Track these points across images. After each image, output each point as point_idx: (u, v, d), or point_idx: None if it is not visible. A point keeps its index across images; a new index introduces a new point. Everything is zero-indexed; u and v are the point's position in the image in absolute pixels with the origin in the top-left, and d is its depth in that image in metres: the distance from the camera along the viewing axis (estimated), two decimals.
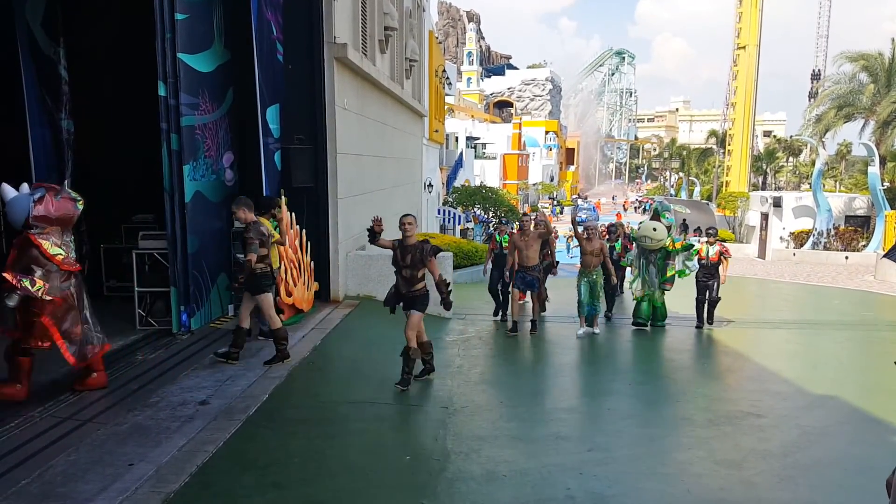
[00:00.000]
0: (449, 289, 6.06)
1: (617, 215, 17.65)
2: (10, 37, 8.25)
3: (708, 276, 9.45)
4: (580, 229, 9.12)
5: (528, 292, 9.07)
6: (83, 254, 9.18)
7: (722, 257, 9.46)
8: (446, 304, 6.03)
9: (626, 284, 10.93)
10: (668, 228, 9.39)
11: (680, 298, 10.01)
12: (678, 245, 9.27)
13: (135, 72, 8.52)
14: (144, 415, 5.20)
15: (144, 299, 7.88)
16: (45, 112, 8.62)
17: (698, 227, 36.68)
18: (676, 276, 9.40)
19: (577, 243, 9.48)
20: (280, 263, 7.61)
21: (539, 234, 8.75)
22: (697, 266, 9.53)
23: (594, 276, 8.90)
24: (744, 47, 51.09)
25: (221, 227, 8.34)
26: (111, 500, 3.83)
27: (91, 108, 9.17)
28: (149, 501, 3.85)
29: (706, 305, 9.53)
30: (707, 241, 9.58)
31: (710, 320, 9.59)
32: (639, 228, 9.58)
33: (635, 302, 9.49)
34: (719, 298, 9.61)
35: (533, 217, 10.56)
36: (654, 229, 8.94)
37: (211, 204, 7.98)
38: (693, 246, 9.50)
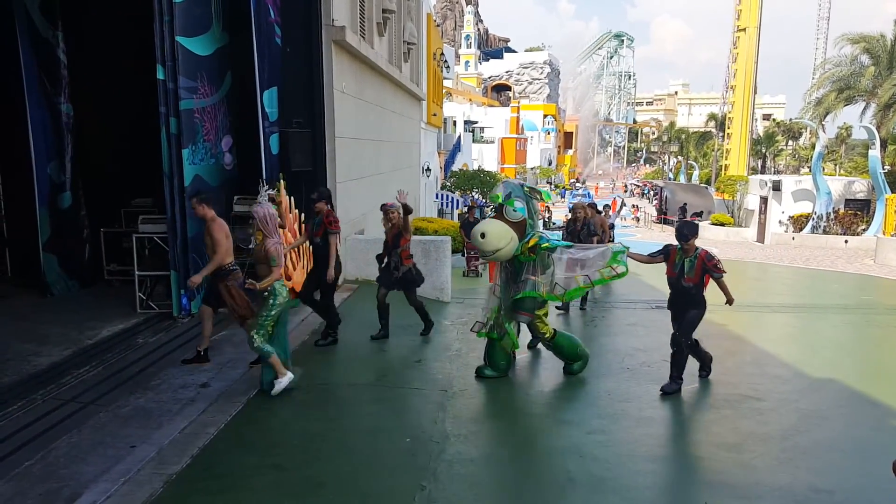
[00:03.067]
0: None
1: (613, 201, 17.53)
2: (8, 21, 8.17)
3: (683, 301, 5.77)
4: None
5: None
6: (84, 238, 9.18)
7: (710, 277, 5.72)
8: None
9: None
10: (521, 225, 5.81)
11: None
12: (529, 244, 5.79)
13: (134, 55, 8.44)
14: (146, 397, 5.23)
15: (145, 283, 7.88)
16: (44, 96, 8.56)
17: (700, 212, 36.77)
18: (545, 298, 5.98)
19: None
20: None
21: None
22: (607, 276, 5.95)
23: None
24: (744, 29, 50.63)
25: (221, 210, 8.28)
26: (113, 482, 3.85)
27: (90, 91, 9.11)
28: (151, 483, 3.88)
29: (674, 350, 5.85)
30: (681, 247, 5.69)
31: (674, 375, 5.84)
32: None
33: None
34: (691, 343, 5.90)
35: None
36: (483, 235, 5.68)
37: (210, 188, 7.94)
38: (550, 246, 5.85)
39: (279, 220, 7.25)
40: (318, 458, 4.39)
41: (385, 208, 7.09)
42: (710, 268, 5.65)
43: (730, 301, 5.88)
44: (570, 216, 9.20)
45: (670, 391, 5.75)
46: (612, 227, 12.60)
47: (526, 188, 6.07)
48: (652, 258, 5.94)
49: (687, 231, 5.71)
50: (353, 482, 4.08)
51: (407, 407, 5.46)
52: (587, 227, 9.39)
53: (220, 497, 3.84)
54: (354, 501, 3.86)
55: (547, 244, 5.86)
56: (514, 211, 5.81)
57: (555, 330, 6.28)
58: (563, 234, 9.95)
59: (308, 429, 4.83)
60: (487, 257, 6.00)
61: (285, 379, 5.38)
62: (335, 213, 6.78)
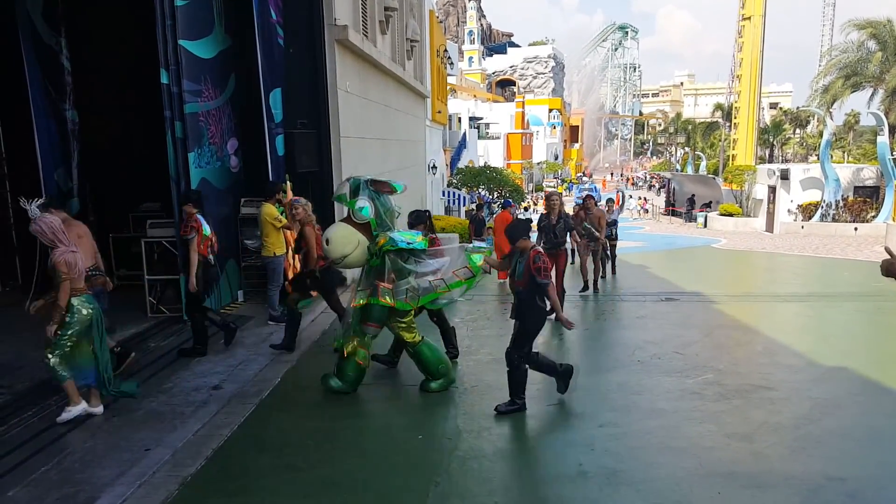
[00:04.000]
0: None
1: (617, 195, 17.31)
2: (11, 28, 8.23)
3: (519, 309, 5.09)
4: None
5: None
6: None
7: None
8: None
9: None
10: (367, 227, 5.23)
11: (681, 272, 9.86)
12: (378, 245, 5.21)
13: (137, 60, 8.48)
14: (159, 401, 5.27)
15: (155, 287, 7.93)
16: (49, 103, 8.63)
17: (709, 202, 36.53)
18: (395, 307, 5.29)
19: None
20: (287, 248, 7.63)
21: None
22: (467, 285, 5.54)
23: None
24: (749, 18, 50.22)
25: (228, 213, 8.36)
26: (129, 485, 3.88)
27: (95, 97, 9.17)
28: (166, 485, 3.91)
29: (508, 368, 5.20)
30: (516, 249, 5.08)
31: (512, 394, 5.18)
32: None
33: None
34: (527, 357, 5.16)
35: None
36: (328, 241, 5.25)
37: (217, 190, 7.99)
38: (394, 248, 5.21)
39: (285, 220, 7.31)
40: (332, 457, 4.41)
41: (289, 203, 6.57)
42: (533, 271, 4.86)
43: (562, 322, 5.16)
44: (574, 209, 9.08)
45: (504, 411, 5.01)
46: (614, 223, 12.24)
47: (369, 183, 5.25)
48: (507, 263, 5.22)
49: (513, 233, 5.03)
50: (367, 480, 4.10)
51: (418, 404, 5.47)
52: (563, 220, 8.46)
53: (235, 498, 3.87)
54: (369, 500, 3.88)
55: (391, 246, 5.17)
56: (359, 211, 5.19)
57: (423, 338, 5.56)
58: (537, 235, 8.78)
59: (320, 429, 4.85)
60: (339, 265, 5.47)
61: (77, 408, 4.76)
62: (198, 218, 6.23)
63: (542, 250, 5.05)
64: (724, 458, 4.38)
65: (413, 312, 5.52)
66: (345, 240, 5.19)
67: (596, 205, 10.73)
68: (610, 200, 13.53)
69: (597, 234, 10.20)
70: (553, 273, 7.00)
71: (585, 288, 10.26)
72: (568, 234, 8.62)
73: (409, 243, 5.22)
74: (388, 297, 5.23)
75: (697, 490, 3.96)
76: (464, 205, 30.17)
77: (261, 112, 8.06)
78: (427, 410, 5.32)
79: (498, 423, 5.02)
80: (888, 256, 2.95)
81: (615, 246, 12.50)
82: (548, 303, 5.06)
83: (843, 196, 25.44)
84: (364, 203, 5.19)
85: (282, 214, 7.36)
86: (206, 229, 6.28)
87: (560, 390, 5.37)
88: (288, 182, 8.04)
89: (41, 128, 8.49)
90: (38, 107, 8.47)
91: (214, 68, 7.82)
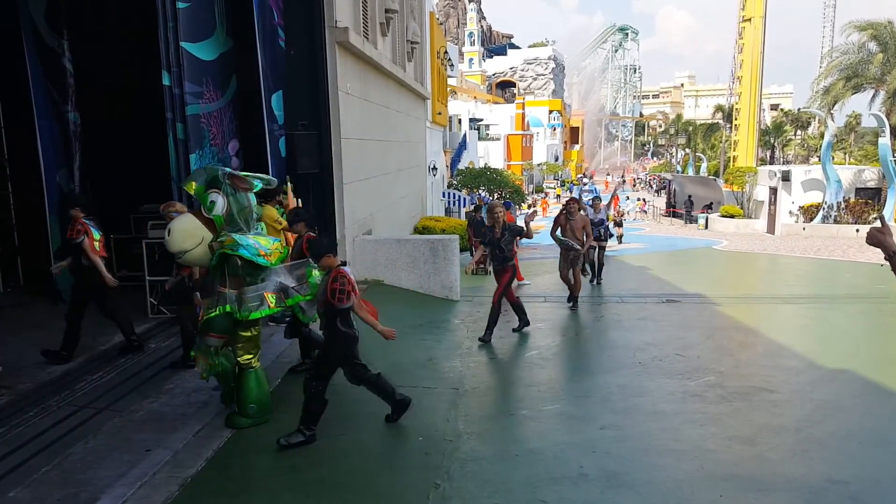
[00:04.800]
0: None
1: (615, 197, 17.15)
2: (14, 30, 8.24)
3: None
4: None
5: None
6: None
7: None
8: None
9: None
10: (213, 223, 4.70)
11: (686, 275, 9.77)
12: (224, 243, 4.62)
13: (139, 62, 8.49)
14: (160, 401, 5.27)
15: (155, 288, 7.94)
16: (51, 105, 8.63)
17: (710, 204, 36.52)
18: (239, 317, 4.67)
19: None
20: (288, 249, 7.63)
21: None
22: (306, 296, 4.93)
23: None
24: (749, 19, 50.21)
25: None
26: (130, 486, 3.89)
27: (96, 99, 9.18)
28: (167, 486, 3.91)
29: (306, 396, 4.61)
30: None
31: (302, 423, 4.61)
32: None
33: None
34: (317, 388, 4.56)
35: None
36: (169, 232, 4.66)
37: None
38: (234, 252, 4.59)
39: (286, 223, 7.30)
40: (332, 458, 4.41)
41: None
42: (328, 294, 4.32)
43: (382, 334, 4.60)
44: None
45: (286, 445, 4.43)
46: (601, 223, 11.62)
47: (227, 177, 4.70)
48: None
49: (317, 249, 4.45)
50: (367, 482, 4.09)
51: (419, 406, 5.46)
52: (509, 233, 7.42)
53: (235, 499, 3.86)
54: (369, 501, 3.88)
55: (230, 250, 4.55)
56: (210, 205, 4.64)
57: (259, 366, 4.90)
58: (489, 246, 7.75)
59: (320, 430, 4.84)
60: (179, 259, 4.82)
61: None
62: (84, 221, 6.15)
63: (347, 271, 4.40)
64: (725, 460, 4.38)
65: (258, 329, 4.89)
66: (186, 233, 4.60)
67: (580, 210, 9.77)
68: (596, 198, 12.66)
69: (577, 246, 9.04)
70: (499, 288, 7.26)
71: (573, 301, 9.40)
72: (515, 242, 7.50)
73: (256, 255, 4.60)
74: (230, 305, 4.62)
75: (699, 493, 3.95)
76: (464, 206, 30.17)
77: (261, 114, 8.07)
78: (427, 412, 5.31)
79: (498, 425, 5.01)
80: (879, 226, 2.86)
81: (604, 248, 11.87)
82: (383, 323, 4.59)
83: (844, 197, 25.43)
84: (216, 197, 4.64)
85: (282, 216, 7.36)
86: (96, 232, 6.29)
87: (391, 419, 4.87)
88: (289, 183, 8.04)
89: (43, 129, 8.50)
90: (40, 108, 8.48)
91: (216, 70, 7.83)
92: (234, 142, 8.40)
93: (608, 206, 13.36)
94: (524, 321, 7.89)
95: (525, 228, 7.51)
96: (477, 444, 4.62)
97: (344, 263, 4.54)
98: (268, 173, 8.06)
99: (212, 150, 7.81)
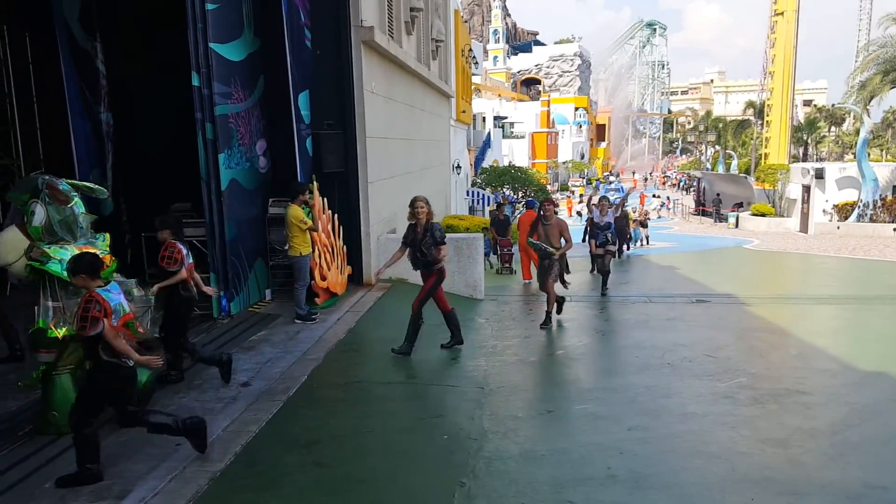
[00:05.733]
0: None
1: (641, 196, 16.89)
2: (49, 33, 8.47)
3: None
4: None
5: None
6: (126, 242, 9.45)
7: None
8: None
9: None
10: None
11: (714, 274, 9.47)
12: (32, 257, 4.47)
13: (169, 63, 8.64)
14: (189, 397, 5.36)
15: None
16: (84, 106, 8.86)
17: (740, 202, 35.81)
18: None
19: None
20: (314, 248, 7.70)
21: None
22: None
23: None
24: (781, 13, 49.09)
25: (257, 213, 8.47)
26: (161, 479, 3.96)
27: (128, 100, 9.37)
28: (196, 480, 3.97)
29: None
30: None
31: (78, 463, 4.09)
32: None
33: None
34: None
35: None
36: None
37: (246, 191, 8.10)
38: (39, 267, 4.46)
39: (311, 222, 7.37)
40: (358, 455, 4.43)
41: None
42: (78, 320, 3.84)
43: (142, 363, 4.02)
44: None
45: (64, 484, 3.92)
46: (607, 226, 10.61)
47: (43, 183, 4.47)
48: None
49: (76, 266, 3.89)
50: (392, 479, 4.10)
51: (443, 404, 5.47)
52: (431, 234, 6.35)
53: (263, 494, 3.91)
54: (395, 498, 3.88)
55: (39, 263, 4.31)
56: (30, 215, 4.43)
57: (77, 372, 4.50)
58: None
59: (347, 426, 4.88)
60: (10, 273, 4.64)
61: None
62: (179, 247, 5.46)
63: (98, 294, 3.79)
64: (757, 463, 4.28)
65: (76, 345, 4.44)
66: (8, 246, 4.46)
67: (624, 206, 9.08)
68: (604, 198, 11.44)
69: (550, 250, 7.74)
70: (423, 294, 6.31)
71: (546, 322, 7.84)
72: (437, 247, 6.35)
73: (62, 270, 4.30)
74: (42, 320, 4.40)
75: (729, 496, 3.87)
76: (488, 204, 30.08)
77: (289, 113, 8.15)
78: (452, 410, 5.31)
79: (524, 424, 4.98)
80: None
81: (612, 254, 10.83)
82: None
83: (881, 195, 24.72)
84: (36, 207, 4.45)
85: (308, 216, 7.44)
86: (189, 257, 5.70)
87: (197, 449, 4.23)
88: (314, 182, 8.11)
89: (77, 130, 8.72)
90: (74, 109, 8.70)
91: (244, 71, 7.93)
92: (261, 141, 8.51)
93: (619, 206, 11.95)
94: (457, 338, 6.76)
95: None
96: (503, 443, 4.59)
97: (108, 282, 4.06)
98: (295, 172, 8.15)
99: (240, 149, 7.92)
